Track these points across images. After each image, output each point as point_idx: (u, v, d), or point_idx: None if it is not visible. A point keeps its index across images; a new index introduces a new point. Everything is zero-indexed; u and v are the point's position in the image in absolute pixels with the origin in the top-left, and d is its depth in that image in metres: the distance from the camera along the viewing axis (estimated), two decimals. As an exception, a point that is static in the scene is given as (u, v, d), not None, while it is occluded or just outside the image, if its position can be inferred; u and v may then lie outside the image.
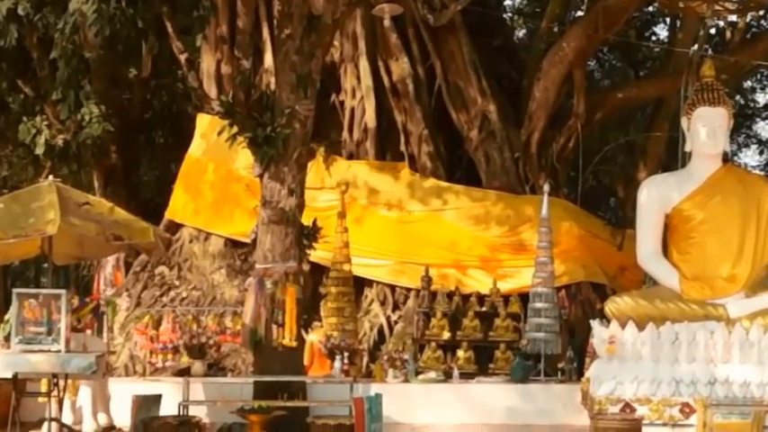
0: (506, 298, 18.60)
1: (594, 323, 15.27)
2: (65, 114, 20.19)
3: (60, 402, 13.30)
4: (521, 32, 31.20)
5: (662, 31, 31.41)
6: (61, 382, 13.15)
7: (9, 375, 12.97)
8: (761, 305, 14.50)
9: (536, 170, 21.25)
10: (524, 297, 18.06)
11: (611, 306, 15.46)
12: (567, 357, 17.19)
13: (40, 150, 20.60)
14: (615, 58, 32.64)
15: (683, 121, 16.23)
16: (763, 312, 14.35)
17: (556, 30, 23.30)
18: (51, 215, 12.97)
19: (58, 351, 12.86)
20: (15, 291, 13.69)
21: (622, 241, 20.25)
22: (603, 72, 33.52)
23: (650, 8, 28.28)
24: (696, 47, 22.68)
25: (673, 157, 20.04)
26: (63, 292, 13.46)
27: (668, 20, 28.65)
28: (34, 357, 12.81)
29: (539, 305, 17.26)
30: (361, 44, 20.91)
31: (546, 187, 18.30)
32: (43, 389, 13.63)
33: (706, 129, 15.78)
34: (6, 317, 17.70)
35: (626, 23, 24.28)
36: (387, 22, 20.10)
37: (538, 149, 21.53)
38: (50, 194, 13.42)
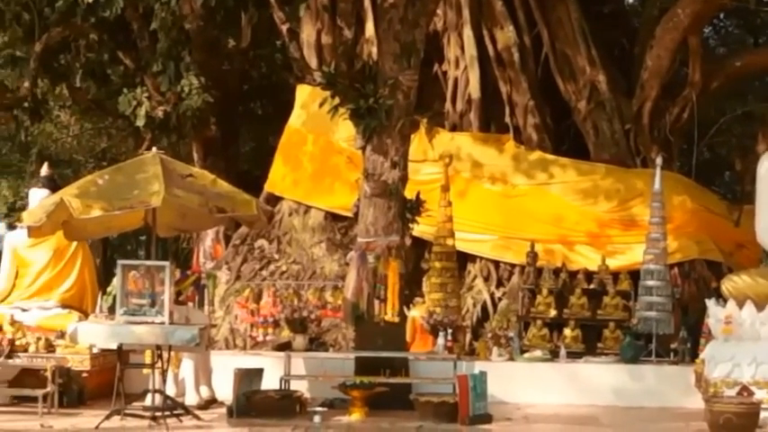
0: (615, 275, 18.47)
1: (710, 302, 15.21)
2: (165, 86, 20.66)
3: (164, 374, 13.60)
4: (632, -2, 30.92)
5: (784, -4, 30.80)
6: (165, 354, 13.47)
7: (114, 346, 13.49)
8: None
9: (648, 142, 21.09)
10: (635, 274, 17.94)
11: (728, 285, 15.39)
12: (681, 338, 16.92)
13: (140, 122, 21.08)
14: (732, 24, 32.16)
15: (806, 94, 16.05)
16: None
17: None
18: (156, 187, 13.26)
19: (162, 323, 13.14)
20: (120, 262, 13.90)
21: (739, 217, 19.97)
22: (720, 39, 32.92)
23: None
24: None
25: (794, 130, 19.96)
26: (167, 263, 13.75)
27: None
28: (138, 329, 13.10)
29: (650, 283, 17.13)
30: (466, 12, 20.89)
31: (658, 160, 18.11)
32: (147, 360, 14.01)
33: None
34: (109, 289, 18.24)
35: (745, -13, 24.09)
36: (493, -10, 20.28)
37: (650, 120, 21.33)
38: (155, 166, 13.71)
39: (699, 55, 21.83)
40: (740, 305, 14.57)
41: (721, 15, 29.75)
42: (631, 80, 21.59)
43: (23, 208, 21.70)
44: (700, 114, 22.06)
